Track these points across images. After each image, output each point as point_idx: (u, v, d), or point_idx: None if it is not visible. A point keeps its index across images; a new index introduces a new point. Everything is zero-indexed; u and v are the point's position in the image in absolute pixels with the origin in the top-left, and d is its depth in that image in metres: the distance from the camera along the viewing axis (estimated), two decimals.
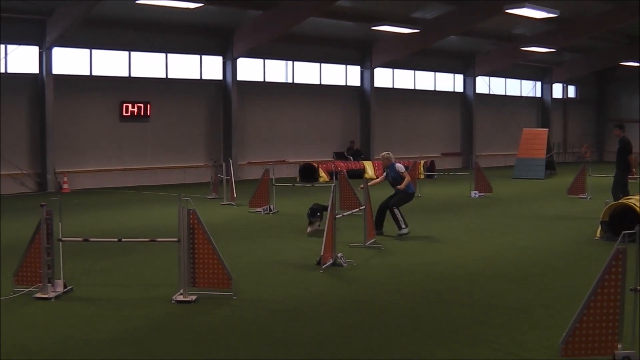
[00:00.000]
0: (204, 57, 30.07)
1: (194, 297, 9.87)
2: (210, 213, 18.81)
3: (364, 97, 35.17)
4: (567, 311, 7.85)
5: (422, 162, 31.29)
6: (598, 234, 15.39)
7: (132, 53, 28.01)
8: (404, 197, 15.86)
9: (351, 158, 33.17)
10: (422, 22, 30.90)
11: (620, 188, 18.95)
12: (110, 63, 27.58)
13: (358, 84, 35.26)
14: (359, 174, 28.96)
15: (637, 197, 15.88)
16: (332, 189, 12.28)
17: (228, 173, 21.70)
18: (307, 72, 33.52)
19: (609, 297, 7.31)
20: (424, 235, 15.99)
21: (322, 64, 33.99)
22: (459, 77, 40.33)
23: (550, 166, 34.46)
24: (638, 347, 7.48)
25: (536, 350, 7.96)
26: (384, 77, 36.48)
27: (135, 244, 13.61)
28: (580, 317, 7.28)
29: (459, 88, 40.48)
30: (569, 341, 7.29)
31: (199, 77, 30.12)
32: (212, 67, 30.35)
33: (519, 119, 42.62)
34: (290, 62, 32.95)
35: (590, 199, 22.88)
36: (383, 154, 16.25)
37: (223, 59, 30.20)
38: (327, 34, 32.17)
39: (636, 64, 42.03)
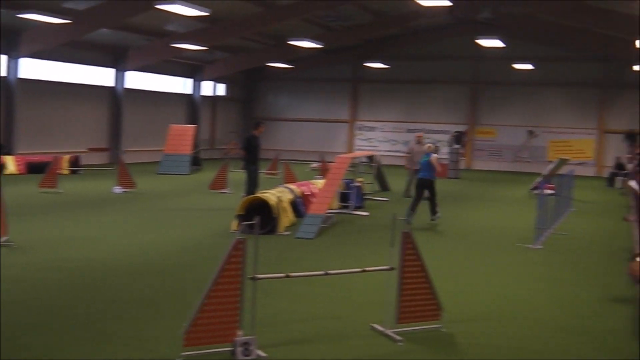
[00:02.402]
0: None
1: None
2: None
3: (8, 89, 33.41)
4: (194, 302, 8.17)
5: (67, 157, 30.53)
6: (234, 227, 16.10)
7: None
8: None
9: None
10: (74, 12, 29.96)
11: (255, 182, 19.97)
12: None
13: (3, 74, 33.44)
14: None
15: (272, 192, 16.85)
16: None
17: None
18: None
19: (229, 286, 7.75)
20: (58, 233, 15.66)
21: None
22: (110, 71, 39.70)
23: (197, 162, 35.32)
24: (257, 332, 8.01)
25: (163, 342, 8.24)
26: (32, 68, 34.95)
27: None
28: (202, 307, 7.64)
29: (110, 82, 39.90)
30: (191, 331, 7.61)
31: None
32: None
33: (168, 115, 43.02)
34: None
35: (231, 193, 23.79)
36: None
37: None
38: None
39: (282, 65, 44.41)
